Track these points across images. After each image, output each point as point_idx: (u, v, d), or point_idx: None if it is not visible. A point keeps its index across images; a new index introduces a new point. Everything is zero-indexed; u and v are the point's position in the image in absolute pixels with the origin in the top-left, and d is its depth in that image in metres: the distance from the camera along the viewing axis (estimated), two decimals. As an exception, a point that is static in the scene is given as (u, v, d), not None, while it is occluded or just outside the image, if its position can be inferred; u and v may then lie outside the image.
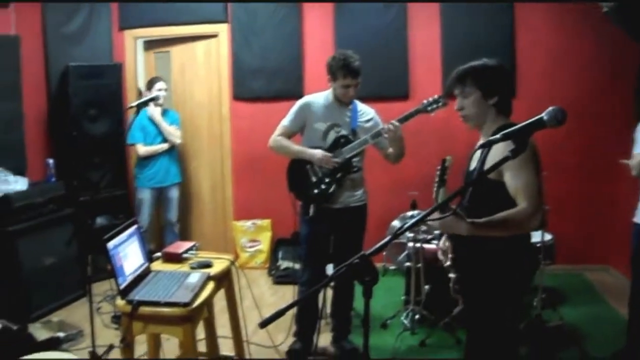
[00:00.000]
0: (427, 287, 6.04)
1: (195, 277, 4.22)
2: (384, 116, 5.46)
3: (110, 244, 3.97)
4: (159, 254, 4.85)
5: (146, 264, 4.41)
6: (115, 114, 8.00)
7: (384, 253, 7.29)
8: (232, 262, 4.76)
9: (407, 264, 6.28)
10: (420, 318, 6.02)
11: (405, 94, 7.72)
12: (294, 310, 5.68)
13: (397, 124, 5.00)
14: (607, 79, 7.37)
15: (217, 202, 8.79)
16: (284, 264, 8.02)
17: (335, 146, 5.26)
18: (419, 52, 7.77)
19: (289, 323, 5.80)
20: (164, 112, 7.91)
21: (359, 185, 5.43)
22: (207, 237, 8.69)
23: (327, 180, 5.28)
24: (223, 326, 5.25)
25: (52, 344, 5.70)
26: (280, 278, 7.81)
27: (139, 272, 4.24)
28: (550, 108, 2.60)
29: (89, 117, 7.77)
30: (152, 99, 5.97)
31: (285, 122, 5.47)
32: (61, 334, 5.97)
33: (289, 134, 5.47)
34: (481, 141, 3.68)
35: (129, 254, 4.17)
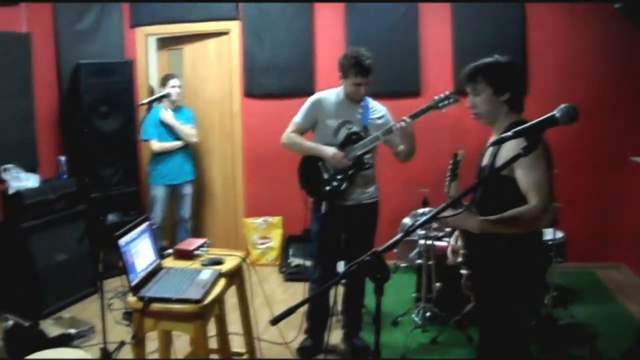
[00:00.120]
0: (438, 284, 6.02)
1: (206, 274, 4.23)
2: (395, 113, 5.45)
3: (122, 241, 3.98)
4: (170, 250, 4.86)
5: (157, 261, 4.42)
6: (127, 111, 8.01)
7: (395, 250, 7.28)
8: (243, 259, 4.76)
9: (419, 261, 6.28)
10: (431, 315, 6.00)
11: (417, 90, 7.71)
12: (304, 308, 5.68)
13: (408, 120, 4.98)
14: (618, 76, 7.33)
15: (228, 199, 8.79)
16: (295, 261, 8.02)
17: (347, 143, 5.25)
18: (430, 48, 7.75)
19: (299, 320, 5.81)
20: (178, 109, 7.94)
21: (370, 182, 5.43)
22: (218, 234, 8.70)
23: (338, 177, 5.28)
24: (234, 323, 5.26)
25: (64, 341, 5.72)
26: (291, 275, 7.81)
27: (150, 268, 4.25)
28: (562, 105, 2.59)
29: (101, 114, 7.78)
30: (164, 96, 5.99)
31: (297, 118, 5.47)
32: (72, 331, 5.98)
33: (301, 131, 5.47)
34: (493, 138, 3.68)
35: (140, 250, 4.18)
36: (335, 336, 5.82)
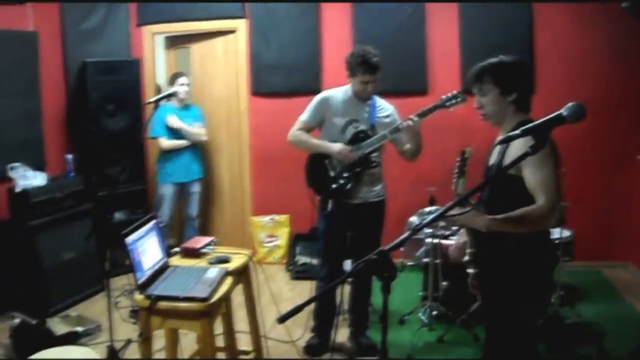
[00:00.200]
0: (444, 283, 6.02)
1: (213, 272, 4.23)
2: (402, 111, 5.44)
3: (129, 239, 3.99)
4: (177, 249, 4.86)
5: (164, 259, 4.42)
6: (134, 110, 8.03)
7: (402, 249, 7.28)
8: (250, 258, 4.76)
9: (425, 259, 6.28)
10: (438, 314, 6.00)
11: (424, 89, 7.70)
12: (311, 306, 5.68)
13: (416, 119, 4.98)
14: (626, 76, 7.31)
15: (235, 197, 8.80)
16: (301, 260, 8.02)
17: (354, 141, 5.25)
18: (437, 47, 7.74)
19: (306, 318, 5.81)
20: (187, 107, 7.98)
21: (377, 180, 5.43)
22: (225, 232, 8.71)
23: (345, 175, 5.28)
24: (241, 321, 5.27)
25: (70, 339, 5.73)
26: (298, 273, 7.82)
27: (157, 267, 4.25)
28: (570, 104, 2.59)
29: (107, 113, 7.79)
30: (171, 95, 5.99)
31: (304, 117, 5.47)
32: (79, 329, 6.00)
33: (308, 129, 5.47)
34: (500, 137, 3.68)
35: (147, 249, 4.18)
36: (341, 334, 5.82)
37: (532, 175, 3.28)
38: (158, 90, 8.61)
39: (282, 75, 8.17)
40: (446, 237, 6.18)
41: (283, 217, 8.39)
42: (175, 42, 9.03)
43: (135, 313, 6.36)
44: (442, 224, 6.11)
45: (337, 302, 5.62)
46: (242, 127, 8.50)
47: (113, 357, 5.37)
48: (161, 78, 8.95)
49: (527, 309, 3.56)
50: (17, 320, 5.68)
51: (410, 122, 4.99)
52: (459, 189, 3.73)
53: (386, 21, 7.70)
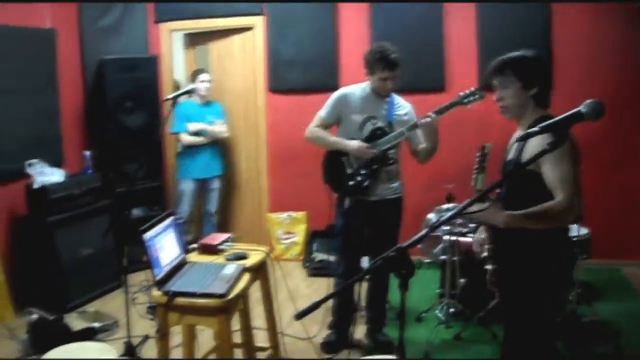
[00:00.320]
0: (462, 280, 6.00)
1: (230, 268, 4.23)
2: (419, 108, 5.43)
3: (147, 235, 4.00)
4: (194, 245, 4.87)
5: (182, 255, 4.43)
6: (151, 107, 8.05)
7: (419, 246, 7.26)
8: (268, 254, 4.76)
9: (443, 257, 6.26)
10: (455, 312, 5.98)
11: (441, 86, 7.68)
12: (328, 303, 5.69)
13: (433, 115, 4.97)
14: (644, 73, 7.29)
15: (252, 194, 8.81)
16: (318, 256, 8.02)
17: (372, 138, 5.24)
18: (454, 43, 7.72)
19: (323, 315, 5.81)
20: (208, 104, 8.03)
21: (395, 177, 5.42)
22: (242, 229, 8.72)
23: (363, 172, 5.27)
24: (258, 317, 5.26)
25: (88, 334, 5.75)
26: (315, 270, 7.81)
27: (175, 263, 4.27)
28: (588, 101, 2.57)
29: (125, 110, 7.82)
30: (189, 91, 6.00)
31: (322, 113, 5.47)
32: (96, 324, 6.02)
33: (325, 125, 5.47)
34: (518, 133, 3.67)
35: (165, 245, 4.19)
36: (358, 331, 5.81)
37: (551, 172, 3.27)
38: (176, 87, 8.65)
39: (299, 72, 8.17)
40: (464, 234, 6.16)
41: (300, 214, 8.40)
42: (194, 40, 9.07)
43: (152, 309, 6.38)
44: (459, 221, 6.09)
45: (355, 299, 5.62)
46: (260, 124, 8.51)
47: (130, 353, 5.38)
48: (179, 75, 8.99)
49: (546, 306, 3.55)
50: (34, 316, 5.70)
51: (428, 119, 4.98)
52: (479, 185, 3.72)
53: (403, 18, 7.68)
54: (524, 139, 2.85)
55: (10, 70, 6.66)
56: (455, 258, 5.97)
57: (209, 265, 4.36)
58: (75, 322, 6.03)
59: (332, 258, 7.63)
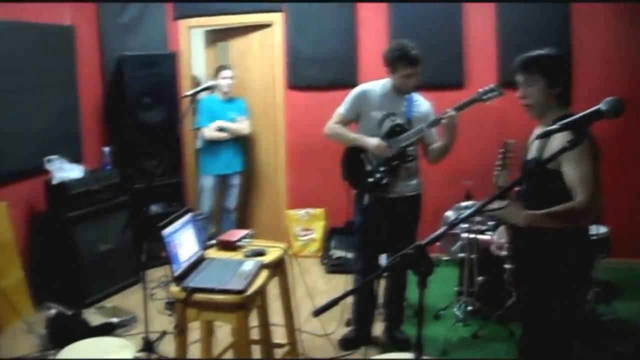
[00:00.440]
0: (480, 278, 5.98)
1: (249, 265, 4.23)
2: (438, 105, 5.41)
3: (166, 231, 4.01)
4: (213, 241, 4.88)
5: (200, 252, 4.44)
6: (170, 103, 8.08)
7: (438, 243, 7.25)
8: (286, 251, 4.76)
9: (461, 254, 6.24)
10: (473, 310, 5.97)
11: (460, 82, 7.65)
12: (345, 300, 5.67)
13: (453, 112, 4.96)
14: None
15: (271, 190, 8.81)
16: (336, 253, 8.01)
17: (391, 135, 5.23)
18: (473, 40, 7.69)
19: (340, 312, 5.82)
20: (230, 100, 8.08)
21: (413, 174, 5.41)
22: (260, 225, 8.73)
23: (382, 169, 5.26)
24: (276, 314, 5.26)
25: (106, 330, 5.78)
26: (333, 267, 7.81)
27: (193, 259, 4.27)
28: (608, 98, 2.55)
29: (144, 106, 7.85)
30: (208, 88, 6.01)
31: (341, 110, 5.46)
32: (115, 320, 6.05)
33: (345, 122, 5.46)
34: (538, 130, 3.66)
35: (183, 241, 4.20)
36: (376, 329, 5.81)
37: (571, 171, 3.26)
38: (196, 83, 8.68)
39: (318, 69, 8.16)
40: (482, 232, 6.14)
41: (318, 211, 8.40)
42: (215, 37, 9.12)
43: (170, 305, 6.40)
44: (478, 218, 6.08)
45: (374, 296, 5.62)
46: (278, 121, 8.51)
47: (148, 349, 5.41)
48: (200, 71, 9.04)
49: (565, 305, 3.54)
50: (53, 311, 5.74)
51: (449, 115, 4.96)
52: (500, 182, 3.71)
53: (422, 14, 7.66)
54: (543, 136, 2.84)
55: (29, 67, 6.68)
56: (473, 256, 5.96)
57: (227, 262, 4.37)
58: (93, 317, 6.06)
59: (350, 255, 7.63)
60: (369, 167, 5.33)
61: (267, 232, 8.33)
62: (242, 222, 8.69)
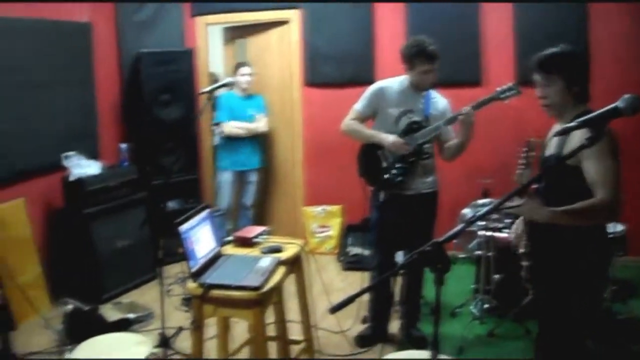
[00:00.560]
0: (497, 276, 5.97)
1: (266, 261, 4.24)
2: (455, 102, 5.40)
3: (183, 228, 4.02)
4: (230, 237, 4.89)
5: (217, 248, 4.45)
6: (187, 100, 8.10)
7: (454, 241, 7.23)
8: (303, 248, 4.76)
9: (478, 252, 6.23)
10: (489, 307, 5.96)
11: (477, 80, 7.62)
12: (362, 297, 5.68)
13: (471, 110, 4.95)
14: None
15: (288, 187, 8.83)
16: (353, 250, 8.00)
17: (408, 132, 5.22)
18: (491, 38, 7.66)
19: (356, 309, 5.82)
20: (250, 97, 8.12)
21: (430, 171, 5.40)
22: (277, 222, 8.75)
23: (398, 165, 5.26)
24: (292, 311, 5.27)
25: (122, 325, 5.80)
26: (350, 264, 7.80)
27: (210, 255, 4.28)
28: (626, 96, 2.54)
29: (162, 103, 7.87)
30: (225, 85, 6.02)
31: (358, 106, 5.46)
32: (131, 316, 6.07)
33: (362, 119, 5.46)
34: (556, 128, 3.65)
35: (201, 237, 4.21)
36: (392, 326, 5.81)
37: (591, 168, 3.25)
38: (215, 80, 8.70)
39: (335, 66, 8.16)
40: (499, 230, 6.12)
41: (335, 208, 8.40)
42: (233, 34, 9.16)
43: (187, 301, 6.42)
44: (495, 216, 6.06)
45: (391, 293, 5.62)
46: (295, 117, 8.52)
47: (164, 345, 5.42)
48: (218, 68, 9.11)
49: (582, 303, 3.53)
50: (70, 307, 5.76)
51: (466, 113, 4.95)
52: (524, 180, 3.69)
53: (439, 12, 7.63)
54: (561, 133, 2.83)
55: (47, 64, 6.72)
56: (490, 253, 5.95)
57: (244, 258, 4.37)
58: (110, 313, 6.08)
59: (366, 252, 7.63)
60: (385, 164, 5.32)
61: (284, 228, 8.36)
62: (259, 219, 8.72)
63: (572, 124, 2.61)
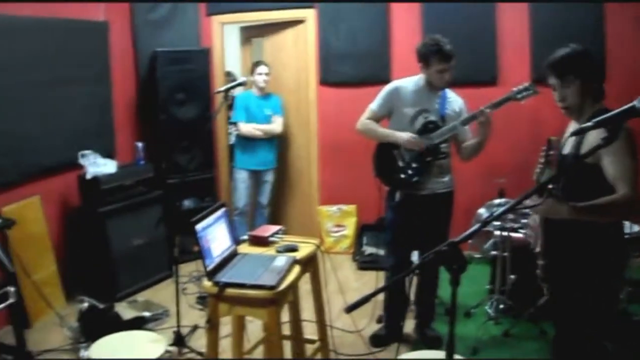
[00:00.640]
0: (512, 276, 5.95)
1: (281, 260, 4.24)
2: (471, 102, 5.39)
3: (199, 226, 4.03)
4: (245, 236, 4.90)
5: (233, 247, 4.45)
6: (203, 99, 8.13)
7: (470, 241, 7.21)
8: (318, 247, 4.76)
9: (493, 252, 6.22)
10: (504, 308, 5.94)
11: (493, 79, 7.60)
12: (377, 296, 5.67)
13: (487, 110, 4.93)
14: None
15: (303, 186, 8.82)
16: (368, 250, 8.01)
17: (423, 131, 5.21)
18: (507, 37, 7.62)
19: (371, 309, 5.82)
20: (266, 97, 8.14)
21: (446, 171, 5.39)
22: (293, 221, 8.76)
23: (414, 165, 5.25)
24: (307, 310, 5.27)
25: (138, 323, 5.81)
26: (365, 264, 7.79)
27: (226, 254, 4.29)
28: (643, 95, 2.54)
29: (177, 102, 7.89)
30: (240, 84, 6.03)
31: (374, 106, 5.45)
32: (147, 314, 6.08)
33: (377, 118, 5.45)
34: (572, 127, 3.64)
35: (216, 236, 4.22)
36: (407, 326, 5.80)
37: (612, 166, 3.24)
38: (232, 79, 8.73)
39: (350, 65, 8.15)
40: (515, 230, 6.11)
41: (350, 207, 8.39)
42: (250, 33, 9.22)
43: (202, 299, 6.44)
44: (510, 216, 6.04)
45: (407, 293, 5.61)
46: (311, 117, 8.51)
47: (179, 343, 5.44)
48: (235, 67, 9.17)
49: (600, 303, 3.52)
50: (85, 305, 5.78)
51: (480, 113, 4.94)
52: (544, 179, 3.68)
53: (455, 11, 7.62)
54: (577, 133, 2.83)
55: (63, 63, 6.74)
56: (505, 254, 5.93)
57: (259, 257, 4.38)
58: (125, 311, 6.10)
59: (381, 252, 7.62)
60: (401, 164, 5.31)
61: (299, 228, 8.36)
62: (274, 218, 8.74)
63: (589, 123, 2.60)
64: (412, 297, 5.87)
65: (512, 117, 6.96)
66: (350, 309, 2.54)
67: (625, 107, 2.54)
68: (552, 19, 7.32)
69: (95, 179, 6.65)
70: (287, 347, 4.81)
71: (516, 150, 7.26)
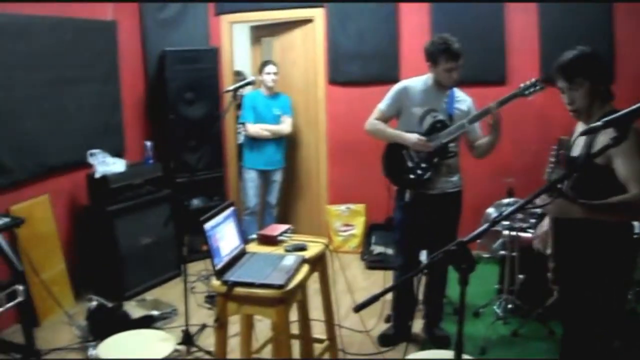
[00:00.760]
0: (521, 276, 5.94)
1: (290, 259, 4.24)
2: (480, 101, 5.37)
3: (207, 225, 4.03)
4: (254, 235, 4.90)
5: (242, 246, 4.45)
6: (212, 98, 8.14)
7: (479, 240, 7.21)
8: (327, 246, 4.76)
9: (502, 252, 6.21)
10: (513, 308, 5.92)
11: (502, 78, 7.57)
12: (385, 296, 5.67)
13: (495, 107, 4.93)
14: None
15: (312, 185, 8.83)
16: (376, 249, 8.01)
17: (432, 131, 5.21)
18: (515, 37, 7.60)
19: (380, 308, 5.81)
20: (275, 96, 8.13)
21: (455, 171, 5.38)
22: (301, 221, 8.76)
23: (423, 165, 5.24)
24: (315, 309, 5.27)
25: (146, 322, 5.82)
26: (373, 263, 7.78)
27: (234, 253, 4.29)
28: (653, 94, 2.53)
29: (186, 101, 7.91)
30: (248, 83, 6.03)
31: (382, 106, 5.45)
32: (155, 313, 6.09)
33: (385, 118, 5.44)
34: (580, 127, 3.63)
35: (225, 235, 4.22)
36: (416, 325, 5.79)
37: (624, 166, 3.22)
38: (242, 78, 8.71)
39: (359, 64, 8.15)
40: (524, 230, 6.10)
41: (359, 206, 8.39)
42: (260, 32, 9.22)
43: (210, 298, 6.45)
44: (520, 215, 6.03)
45: (415, 293, 5.60)
46: (320, 116, 8.51)
47: (188, 341, 5.44)
48: (244, 67, 9.21)
49: (607, 304, 3.51)
50: (94, 303, 5.80)
51: (487, 109, 4.94)
52: (554, 178, 3.67)
53: (464, 10, 7.61)
54: (586, 133, 2.82)
55: (72, 62, 6.76)
56: (514, 253, 5.92)
57: (268, 256, 4.38)
58: (134, 309, 6.11)
59: (390, 251, 7.62)
60: (410, 164, 5.31)
61: (308, 227, 8.35)
62: (283, 217, 8.72)
63: (598, 123, 2.59)
64: (420, 296, 5.87)
65: (520, 117, 6.95)
66: (359, 308, 2.54)
67: (635, 106, 2.54)
68: (561, 18, 7.30)
69: (104, 178, 6.66)
70: (296, 347, 4.81)
71: (525, 150, 7.25)
